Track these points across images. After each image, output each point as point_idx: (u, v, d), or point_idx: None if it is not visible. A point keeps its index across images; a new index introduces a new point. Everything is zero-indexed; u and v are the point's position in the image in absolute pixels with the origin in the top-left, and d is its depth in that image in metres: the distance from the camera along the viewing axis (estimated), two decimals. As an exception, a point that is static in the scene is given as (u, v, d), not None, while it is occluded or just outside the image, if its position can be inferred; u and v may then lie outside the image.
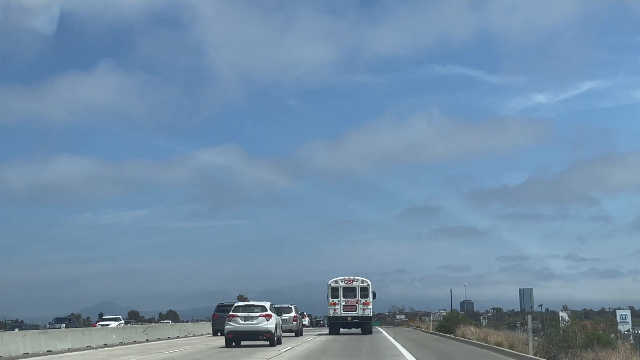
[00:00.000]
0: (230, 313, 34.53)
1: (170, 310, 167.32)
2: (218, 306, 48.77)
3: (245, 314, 33.77)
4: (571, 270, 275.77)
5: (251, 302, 35.60)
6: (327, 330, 55.31)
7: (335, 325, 51.31)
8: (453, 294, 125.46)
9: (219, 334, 46.83)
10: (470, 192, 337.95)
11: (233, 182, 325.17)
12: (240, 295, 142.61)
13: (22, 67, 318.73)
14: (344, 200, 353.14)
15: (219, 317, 46.93)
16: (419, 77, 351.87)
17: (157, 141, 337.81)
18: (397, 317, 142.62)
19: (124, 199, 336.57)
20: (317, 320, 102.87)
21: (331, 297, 50.22)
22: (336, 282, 50.53)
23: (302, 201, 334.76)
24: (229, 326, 33.95)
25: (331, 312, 50.75)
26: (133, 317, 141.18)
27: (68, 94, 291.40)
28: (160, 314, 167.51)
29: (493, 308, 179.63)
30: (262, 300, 35.95)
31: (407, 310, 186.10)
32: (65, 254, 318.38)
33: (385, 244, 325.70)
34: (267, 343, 33.73)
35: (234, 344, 33.97)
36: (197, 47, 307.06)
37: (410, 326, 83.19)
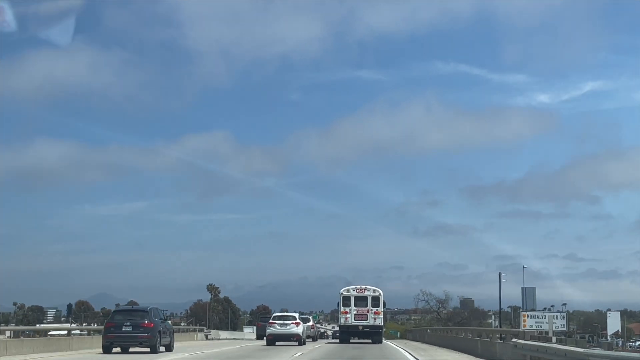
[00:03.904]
0: (270, 321, 48.17)
1: (131, 300, 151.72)
2: (260, 317, 61.93)
3: (282, 322, 47.12)
4: (570, 271, 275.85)
5: (286, 313, 49.34)
6: (336, 341, 57.43)
7: (346, 333, 52.62)
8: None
9: (262, 338, 59.19)
10: (467, 187, 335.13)
11: (224, 172, 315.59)
12: (210, 285, 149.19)
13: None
14: (340, 192, 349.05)
15: (261, 326, 59.73)
16: (420, 73, 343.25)
17: (139, 125, 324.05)
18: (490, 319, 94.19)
19: (111, 188, 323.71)
20: (321, 332, 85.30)
21: (343, 306, 51.44)
22: (348, 290, 51.87)
23: (296, 193, 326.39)
24: (270, 330, 47.02)
25: (342, 321, 52.01)
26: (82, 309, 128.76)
27: (41, 73, 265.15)
28: (117, 305, 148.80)
29: (509, 306, 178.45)
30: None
31: (454, 303, 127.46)
32: (60, 245, 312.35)
33: (382, 241, 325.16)
34: (296, 343, 46.32)
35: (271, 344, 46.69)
36: (172, 18, 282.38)
37: None
